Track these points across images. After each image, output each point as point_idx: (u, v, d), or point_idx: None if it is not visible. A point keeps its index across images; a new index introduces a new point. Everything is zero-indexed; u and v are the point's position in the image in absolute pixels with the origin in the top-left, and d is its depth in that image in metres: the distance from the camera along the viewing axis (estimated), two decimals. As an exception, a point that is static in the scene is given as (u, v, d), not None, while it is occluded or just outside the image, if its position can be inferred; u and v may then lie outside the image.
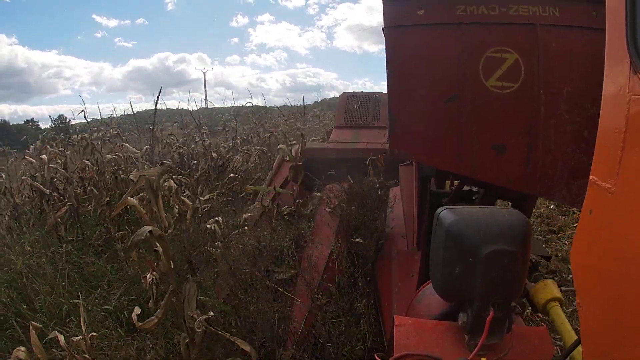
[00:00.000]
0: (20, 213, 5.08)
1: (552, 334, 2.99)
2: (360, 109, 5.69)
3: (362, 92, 6.16)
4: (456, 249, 1.36)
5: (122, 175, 5.08)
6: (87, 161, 5.36)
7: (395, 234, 3.30)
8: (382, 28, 2.58)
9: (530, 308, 2.66)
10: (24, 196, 5.55)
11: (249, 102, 12.14)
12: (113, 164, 5.34)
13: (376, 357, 1.53)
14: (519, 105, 2.51)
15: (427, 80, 2.61)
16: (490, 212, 1.40)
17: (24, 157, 5.54)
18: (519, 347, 1.40)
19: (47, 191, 4.88)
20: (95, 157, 5.56)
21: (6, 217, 5.01)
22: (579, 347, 1.40)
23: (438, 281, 1.43)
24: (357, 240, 3.19)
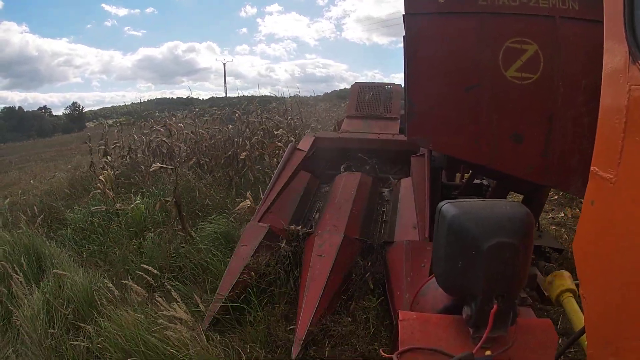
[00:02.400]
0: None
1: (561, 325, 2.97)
2: (371, 99, 5.70)
3: (374, 82, 6.18)
4: (458, 243, 1.36)
5: (235, 139, 7.35)
6: (202, 130, 7.85)
7: (406, 225, 3.28)
8: (403, 15, 2.60)
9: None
10: (143, 153, 7.95)
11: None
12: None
13: (382, 352, 1.55)
14: (538, 96, 2.51)
15: (446, 68, 2.61)
16: (492, 205, 1.40)
17: (153, 127, 7.93)
18: (523, 339, 1.40)
19: (184, 147, 7.50)
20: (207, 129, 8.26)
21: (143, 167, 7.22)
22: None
23: (441, 275, 1.43)
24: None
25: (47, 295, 3.27)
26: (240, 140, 7.38)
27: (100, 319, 2.92)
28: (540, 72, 2.49)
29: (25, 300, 3.24)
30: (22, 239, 4.26)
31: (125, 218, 4.96)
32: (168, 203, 4.65)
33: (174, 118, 8.89)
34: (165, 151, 7.43)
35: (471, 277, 1.35)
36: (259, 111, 9.98)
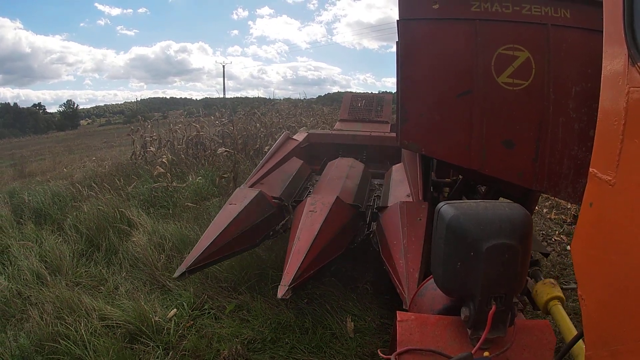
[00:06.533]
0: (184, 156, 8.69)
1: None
2: (364, 106, 5.97)
3: (366, 93, 6.58)
4: (457, 244, 1.34)
5: (261, 135, 9.20)
6: (232, 126, 9.15)
7: (399, 195, 3.27)
8: (397, 20, 2.61)
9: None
10: (179, 144, 9.39)
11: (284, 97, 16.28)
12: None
13: (380, 352, 1.53)
14: (529, 102, 2.54)
15: (438, 74, 2.64)
16: (491, 206, 1.39)
17: (190, 123, 9.72)
18: (521, 340, 1.40)
19: (220, 140, 9.05)
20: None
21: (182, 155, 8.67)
22: (580, 342, 1.40)
23: (439, 276, 1.42)
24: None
25: (148, 236, 4.54)
26: (264, 136, 9.19)
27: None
28: (531, 78, 2.54)
29: (135, 238, 4.47)
30: (111, 202, 5.63)
31: (188, 191, 6.19)
32: (224, 178, 6.07)
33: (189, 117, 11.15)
34: (196, 142, 8.99)
35: (470, 278, 1.34)
36: (274, 112, 11.67)
